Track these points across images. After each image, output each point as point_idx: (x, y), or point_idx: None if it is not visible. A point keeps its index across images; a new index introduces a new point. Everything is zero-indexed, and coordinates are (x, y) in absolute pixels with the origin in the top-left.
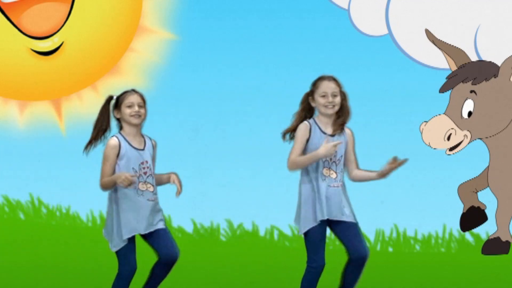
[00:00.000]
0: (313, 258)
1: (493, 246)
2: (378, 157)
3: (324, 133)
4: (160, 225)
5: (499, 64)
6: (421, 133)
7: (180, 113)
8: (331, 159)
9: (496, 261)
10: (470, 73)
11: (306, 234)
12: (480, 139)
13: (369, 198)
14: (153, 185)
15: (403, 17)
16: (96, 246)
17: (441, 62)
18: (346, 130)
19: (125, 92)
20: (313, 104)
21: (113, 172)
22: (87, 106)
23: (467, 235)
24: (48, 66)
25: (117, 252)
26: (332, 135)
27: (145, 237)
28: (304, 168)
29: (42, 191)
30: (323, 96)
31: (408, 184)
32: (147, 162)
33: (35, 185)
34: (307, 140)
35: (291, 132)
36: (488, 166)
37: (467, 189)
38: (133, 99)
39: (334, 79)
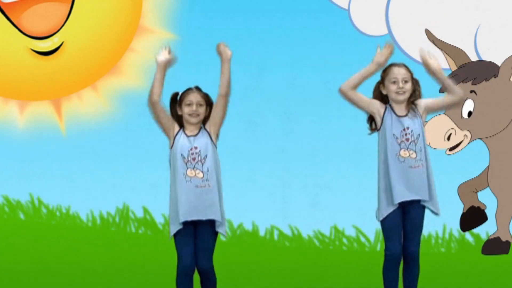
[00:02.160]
0: (387, 245)
1: (493, 246)
2: (378, 157)
3: (396, 114)
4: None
5: (499, 64)
6: None
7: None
8: (407, 139)
9: (496, 261)
10: (470, 73)
11: (382, 221)
12: (480, 139)
13: (369, 198)
14: (202, 172)
15: (403, 17)
16: (96, 246)
17: (441, 62)
18: (418, 103)
19: (187, 90)
20: (384, 92)
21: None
22: (87, 106)
23: (467, 235)
24: (48, 66)
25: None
26: (404, 116)
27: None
28: (380, 154)
29: (42, 191)
30: (394, 82)
31: None
32: (196, 148)
33: (35, 185)
34: (381, 120)
35: (371, 120)
36: (488, 166)
37: (467, 189)
38: (193, 97)
39: (404, 66)
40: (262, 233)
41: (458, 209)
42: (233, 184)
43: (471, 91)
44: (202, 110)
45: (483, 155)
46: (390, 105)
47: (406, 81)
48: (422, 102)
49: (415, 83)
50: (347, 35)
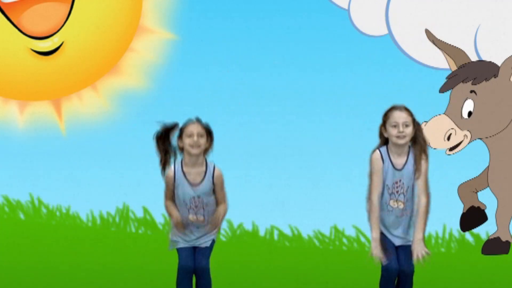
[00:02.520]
0: (383, 264)
1: (493, 246)
2: None
3: (394, 166)
4: (204, 244)
5: (499, 64)
6: None
7: (180, 113)
8: (397, 191)
9: (496, 261)
10: (470, 73)
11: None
12: (480, 139)
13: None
14: (204, 216)
15: (403, 17)
16: (96, 246)
17: (441, 62)
18: (420, 162)
19: (188, 121)
20: (385, 135)
21: (173, 195)
22: (87, 106)
23: (467, 235)
24: (48, 66)
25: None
26: (400, 169)
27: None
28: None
29: (42, 191)
30: (394, 126)
31: None
32: (199, 197)
33: (35, 185)
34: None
35: None
36: (488, 166)
37: (467, 189)
38: (193, 128)
39: (405, 109)
40: (262, 233)
41: (458, 209)
42: (233, 184)
43: (471, 91)
44: (202, 141)
45: (483, 155)
46: (388, 152)
47: (407, 125)
48: (422, 167)
49: (417, 126)
50: (347, 35)
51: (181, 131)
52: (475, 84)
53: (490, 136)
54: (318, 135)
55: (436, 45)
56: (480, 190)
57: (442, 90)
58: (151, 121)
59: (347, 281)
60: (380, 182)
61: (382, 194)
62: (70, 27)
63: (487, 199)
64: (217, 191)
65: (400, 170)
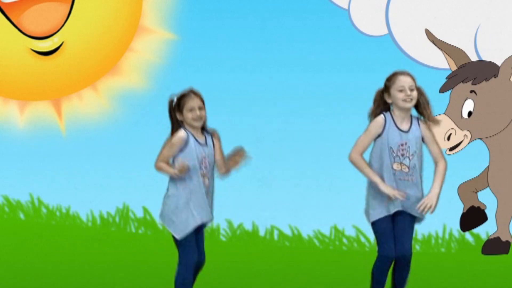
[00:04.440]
0: (381, 248)
1: (493, 246)
2: None
3: (399, 128)
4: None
5: (499, 64)
6: None
7: None
8: (402, 154)
9: (496, 261)
10: (470, 73)
11: (373, 224)
12: (480, 139)
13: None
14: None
15: (403, 17)
16: (96, 246)
17: (441, 62)
18: (422, 124)
19: (185, 96)
20: (389, 100)
21: (169, 159)
22: (87, 106)
23: (467, 235)
24: (48, 66)
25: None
26: (407, 131)
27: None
28: (373, 161)
29: (42, 191)
30: (401, 90)
31: None
32: (406, 144)
33: (35, 185)
34: (379, 135)
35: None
36: (488, 166)
37: (467, 189)
38: (194, 103)
39: (409, 74)
40: (262, 233)
41: (458, 209)
42: (233, 184)
43: (471, 91)
44: (203, 113)
45: (483, 155)
46: (391, 114)
47: (412, 89)
48: (425, 132)
49: (420, 91)
50: (347, 35)
51: (180, 105)
52: (475, 84)
53: (490, 136)
54: (318, 135)
55: (436, 45)
56: (480, 190)
57: (442, 90)
58: (151, 121)
59: (347, 281)
60: (368, 144)
61: (383, 158)
62: (70, 27)
63: (487, 199)
64: (217, 152)
65: (406, 132)
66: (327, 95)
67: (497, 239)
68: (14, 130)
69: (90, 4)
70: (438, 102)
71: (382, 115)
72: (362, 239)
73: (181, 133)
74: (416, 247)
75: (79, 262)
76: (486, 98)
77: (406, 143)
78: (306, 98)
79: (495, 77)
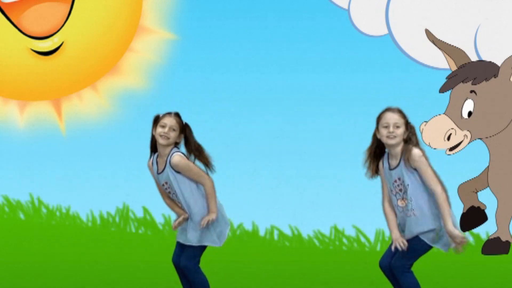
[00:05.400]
0: None
1: (493, 246)
2: None
3: (389, 166)
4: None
5: (499, 64)
6: (421, 133)
7: (180, 113)
8: (400, 190)
9: (496, 261)
10: (470, 73)
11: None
12: (480, 139)
13: (369, 199)
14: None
15: (403, 17)
16: (96, 246)
17: (441, 62)
18: (411, 155)
19: (166, 114)
20: (378, 137)
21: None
22: (87, 106)
23: (467, 235)
24: (48, 66)
25: None
26: (394, 168)
27: None
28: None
29: (42, 191)
30: (385, 127)
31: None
32: (166, 183)
33: (35, 185)
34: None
35: (370, 170)
36: (488, 166)
37: (467, 189)
38: (168, 121)
39: (398, 111)
40: (262, 233)
41: (458, 209)
42: (233, 184)
43: (471, 91)
44: (173, 135)
45: (483, 155)
46: (388, 155)
47: (397, 126)
48: (412, 162)
49: (410, 129)
50: (347, 35)
51: (156, 120)
52: (475, 84)
53: (490, 136)
54: (318, 135)
55: (436, 45)
56: (480, 190)
57: (442, 90)
58: (149, 121)
59: (347, 281)
60: (385, 188)
61: (391, 198)
62: (70, 27)
63: (487, 199)
64: (189, 176)
65: (394, 168)
66: (327, 95)
67: (497, 239)
68: (14, 130)
69: (90, 4)
70: (438, 102)
71: (383, 158)
72: (362, 239)
73: (148, 161)
74: None
75: (79, 262)
76: (486, 98)
77: (399, 179)
78: (306, 98)
79: (495, 77)
